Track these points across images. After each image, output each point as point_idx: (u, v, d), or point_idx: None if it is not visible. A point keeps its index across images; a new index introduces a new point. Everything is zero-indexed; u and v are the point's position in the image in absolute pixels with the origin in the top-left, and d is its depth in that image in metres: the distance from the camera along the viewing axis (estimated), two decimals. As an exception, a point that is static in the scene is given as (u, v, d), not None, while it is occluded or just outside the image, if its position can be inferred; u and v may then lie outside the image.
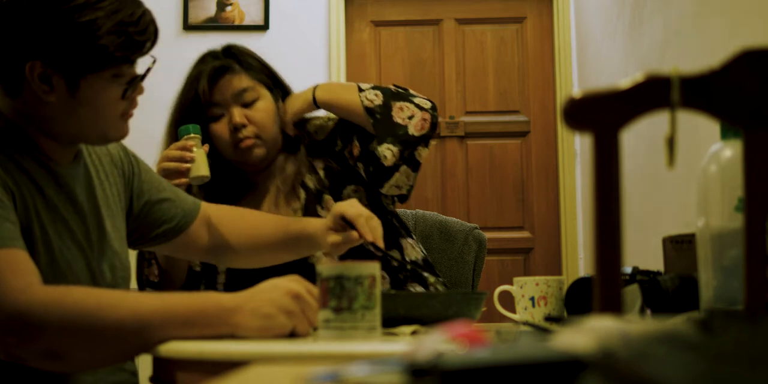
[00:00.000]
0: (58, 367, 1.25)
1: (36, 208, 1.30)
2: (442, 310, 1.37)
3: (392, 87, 1.92)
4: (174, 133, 1.85)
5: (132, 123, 1.41)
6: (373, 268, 1.16)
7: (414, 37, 4.43)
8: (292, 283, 1.21)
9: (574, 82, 4.31)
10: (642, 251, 2.88)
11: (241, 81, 1.89)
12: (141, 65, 1.37)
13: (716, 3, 2.32)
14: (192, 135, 1.78)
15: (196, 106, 1.86)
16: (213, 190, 1.92)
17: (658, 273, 1.33)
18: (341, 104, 1.89)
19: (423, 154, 1.86)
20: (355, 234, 1.54)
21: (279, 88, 1.97)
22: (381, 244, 1.53)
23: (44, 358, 1.19)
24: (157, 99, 4.17)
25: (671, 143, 0.74)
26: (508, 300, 1.63)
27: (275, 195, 1.94)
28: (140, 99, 1.42)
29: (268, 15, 4.35)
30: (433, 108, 1.89)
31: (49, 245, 1.30)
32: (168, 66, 4.20)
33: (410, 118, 1.84)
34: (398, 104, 1.86)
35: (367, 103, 1.85)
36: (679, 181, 2.54)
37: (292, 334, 1.18)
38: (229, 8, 4.35)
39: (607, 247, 0.72)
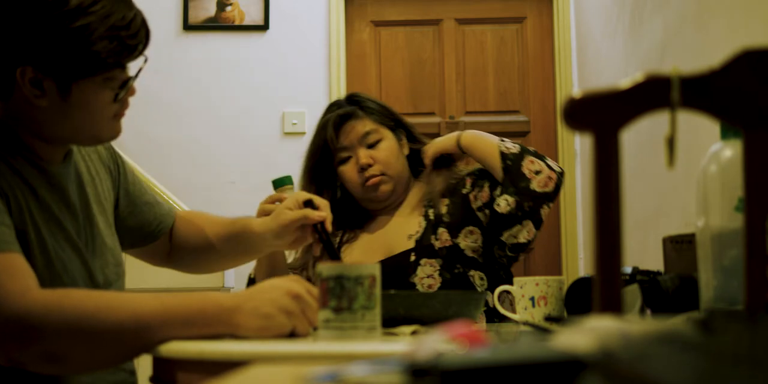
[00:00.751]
0: (58, 370, 1.25)
1: (30, 210, 1.29)
2: (442, 310, 1.37)
3: (531, 148, 2.03)
4: (309, 179, 2.04)
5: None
6: (373, 268, 1.16)
7: (414, 37, 4.43)
8: (292, 283, 1.21)
9: (574, 82, 4.31)
10: (642, 251, 2.88)
11: (365, 125, 2.03)
12: (133, 65, 1.35)
13: (716, 3, 2.32)
14: (286, 186, 1.79)
15: (326, 151, 2.03)
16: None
17: (658, 273, 1.33)
18: (481, 147, 2.00)
19: (546, 212, 1.95)
20: (312, 213, 1.54)
21: (401, 128, 2.10)
22: (329, 227, 1.58)
23: (44, 361, 1.19)
24: (158, 100, 4.19)
25: (671, 143, 0.74)
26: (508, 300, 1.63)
27: (391, 220, 2.06)
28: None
29: (268, 15, 4.35)
30: (562, 173, 1.98)
31: (44, 247, 1.30)
32: (168, 66, 4.25)
33: (537, 173, 1.93)
34: (530, 158, 1.95)
35: (503, 148, 1.96)
36: (679, 181, 2.54)
37: (292, 334, 1.18)
38: (229, 8, 4.35)
39: (607, 247, 0.72)
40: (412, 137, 2.11)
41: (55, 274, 1.30)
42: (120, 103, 1.34)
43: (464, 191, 2.02)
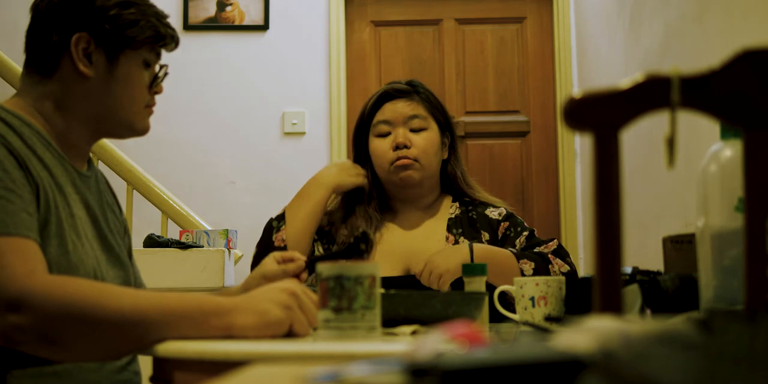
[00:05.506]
0: (52, 354, 1.24)
1: (56, 203, 1.32)
2: (442, 310, 1.37)
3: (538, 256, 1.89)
4: (357, 146, 2.02)
5: None
6: (373, 268, 1.16)
7: (414, 37, 4.43)
8: (288, 282, 1.23)
9: (574, 82, 4.31)
10: (642, 251, 2.88)
11: (416, 108, 1.99)
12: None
13: (716, 3, 2.32)
14: (475, 277, 1.63)
15: (369, 120, 1.99)
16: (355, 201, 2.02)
17: (658, 273, 1.33)
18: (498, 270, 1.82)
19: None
20: (289, 267, 1.56)
21: (449, 132, 2.04)
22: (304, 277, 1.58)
23: (40, 343, 1.19)
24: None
25: (671, 143, 0.74)
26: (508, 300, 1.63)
27: (416, 227, 2.00)
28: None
29: (268, 15, 4.35)
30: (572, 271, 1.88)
31: (62, 239, 1.31)
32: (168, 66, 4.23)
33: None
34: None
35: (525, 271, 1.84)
36: (679, 181, 2.54)
37: (291, 334, 1.18)
38: (229, 8, 4.35)
39: (607, 247, 0.72)
40: (453, 146, 2.03)
41: (72, 266, 1.31)
42: (152, 95, 1.48)
43: (501, 230, 1.96)
